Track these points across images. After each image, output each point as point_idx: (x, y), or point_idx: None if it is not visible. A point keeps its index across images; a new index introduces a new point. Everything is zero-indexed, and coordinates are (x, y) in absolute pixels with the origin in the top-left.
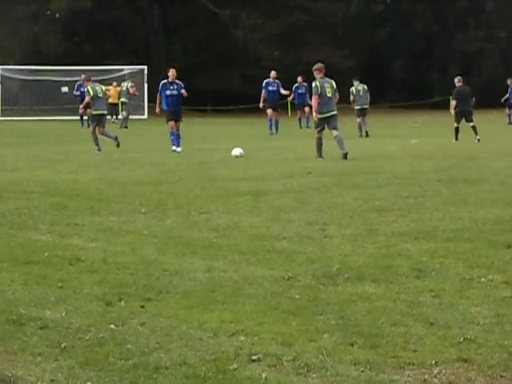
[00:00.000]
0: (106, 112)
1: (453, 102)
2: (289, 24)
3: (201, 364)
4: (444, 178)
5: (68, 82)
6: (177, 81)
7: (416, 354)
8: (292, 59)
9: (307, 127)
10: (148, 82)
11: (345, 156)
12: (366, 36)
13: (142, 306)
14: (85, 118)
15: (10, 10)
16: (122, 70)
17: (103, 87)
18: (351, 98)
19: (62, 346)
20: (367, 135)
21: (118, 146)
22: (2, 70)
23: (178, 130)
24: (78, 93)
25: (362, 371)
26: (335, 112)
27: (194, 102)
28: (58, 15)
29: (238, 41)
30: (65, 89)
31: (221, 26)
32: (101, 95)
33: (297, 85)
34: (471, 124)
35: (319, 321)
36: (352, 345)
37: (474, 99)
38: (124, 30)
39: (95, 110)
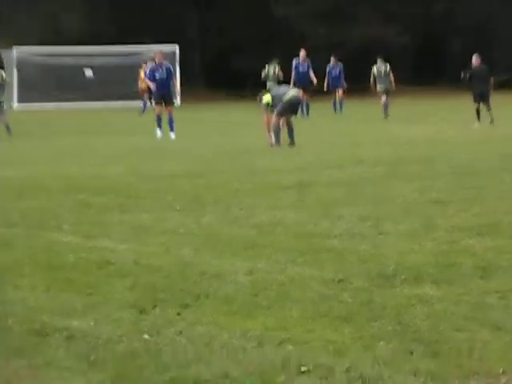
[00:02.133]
0: (2, 99)
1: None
2: None
3: (245, 377)
4: (509, 166)
5: (92, 65)
6: (164, 62)
7: (482, 362)
8: (340, 36)
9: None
10: (181, 64)
11: (291, 145)
12: (422, 10)
13: (178, 314)
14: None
15: None
16: (150, 50)
17: (3, 74)
18: (371, 79)
19: (91, 358)
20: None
21: (8, 132)
22: (18, 51)
23: (170, 113)
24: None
25: (423, 382)
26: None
27: (232, 86)
28: None
29: (280, 17)
30: (89, 72)
31: (261, 1)
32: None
33: (330, 65)
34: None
35: (374, 327)
36: (411, 353)
37: (492, 79)
38: (154, 5)
39: None
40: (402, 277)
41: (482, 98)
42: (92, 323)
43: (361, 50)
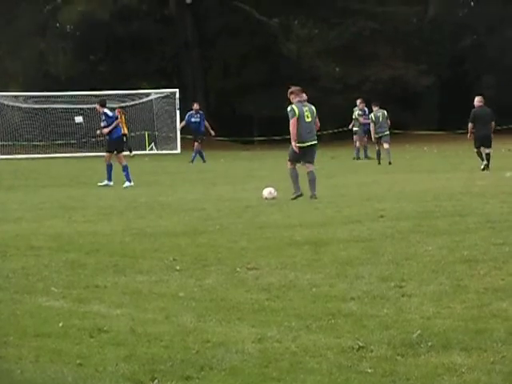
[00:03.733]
0: None
1: (469, 126)
2: (352, 33)
3: None
4: None
5: (83, 110)
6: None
7: None
8: (357, 77)
9: (366, 157)
10: (181, 109)
11: (311, 197)
12: (447, 46)
13: None
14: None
15: (10, 24)
16: (149, 94)
17: None
18: (371, 125)
19: None
20: (390, 163)
21: None
22: (1, 97)
23: (121, 162)
24: (193, 119)
25: None
26: (315, 142)
27: (237, 132)
28: (68, 29)
29: (290, 55)
30: (79, 119)
31: (268, 38)
32: None
33: (357, 109)
34: (487, 151)
35: None
36: None
37: (493, 123)
38: (150, 45)
39: None
40: (428, 344)
41: (483, 141)
42: None
43: (379, 92)
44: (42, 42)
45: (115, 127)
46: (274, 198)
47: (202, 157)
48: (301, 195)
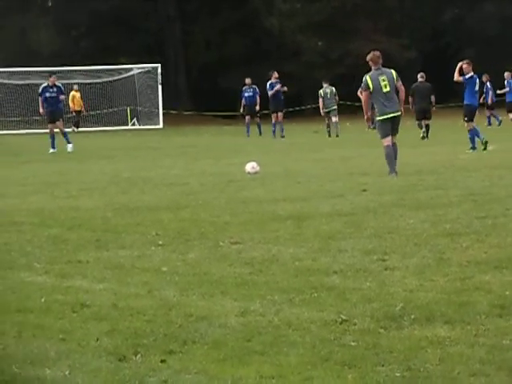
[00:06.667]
0: None
1: (410, 99)
2: (334, 8)
3: None
4: None
5: (64, 86)
6: (57, 83)
7: None
8: (339, 51)
9: (282, 137)
10: (163, 84)
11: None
12: (429, 20)
13: (162, 361)
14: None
15: None
16: (131, 69)
17: None
18: (320, 100)
19: None
20: (337, 136)
21: None
22: None
23: (61, 128)
24: (246, 94)
25: None
26: (398, 113)
27: (219, 107)
28: (50, 3)
29: (272, 30)
30: (61, 96)
31: (251, 13)
32: None
33: (271, 81)
34: (427, 122)
35: (381, 373)
36: None
37: (433, 97)
38: (132, 20)
39: None
40: (411, 317)
41: (423, 114)
42: (67, 372)
43: (361, 66)
44: (23, 17)
45: None
46: (256, 173)
47: (259, 130)
48: (395, 173)
